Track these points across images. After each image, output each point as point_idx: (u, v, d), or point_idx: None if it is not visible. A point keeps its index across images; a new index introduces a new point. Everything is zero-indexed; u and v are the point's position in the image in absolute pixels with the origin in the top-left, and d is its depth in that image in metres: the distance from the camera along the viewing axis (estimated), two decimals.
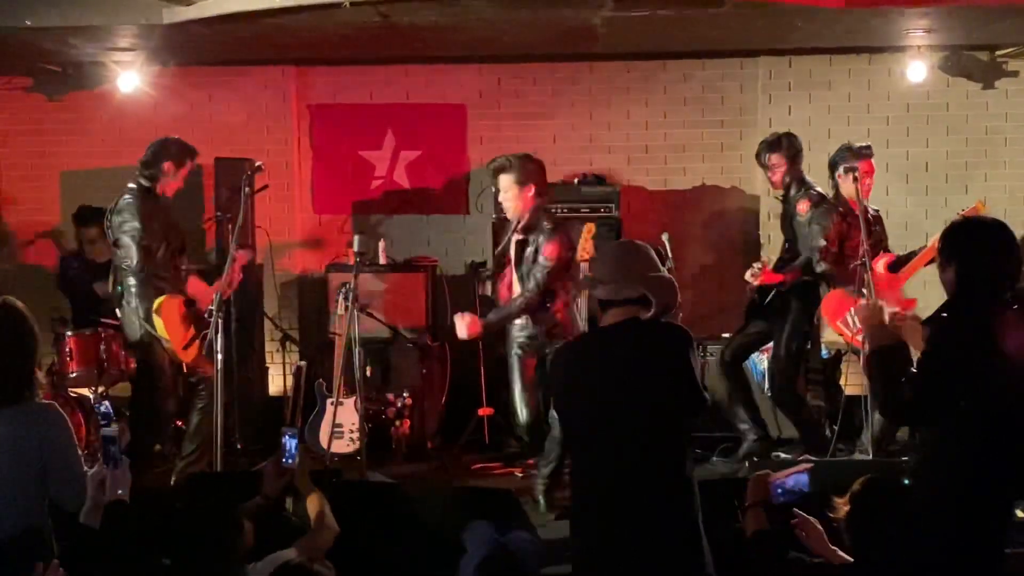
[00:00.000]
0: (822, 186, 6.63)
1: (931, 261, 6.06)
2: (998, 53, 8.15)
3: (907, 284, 6.49)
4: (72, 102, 8.42)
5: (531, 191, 5.84)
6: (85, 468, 3.72)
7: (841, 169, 6.41)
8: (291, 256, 8.49)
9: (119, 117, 8.25)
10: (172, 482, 6.13)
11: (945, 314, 3.69)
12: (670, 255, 6.62)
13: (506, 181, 5.88)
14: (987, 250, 3.73)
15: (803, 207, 6.53)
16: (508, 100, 8.50)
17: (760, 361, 7.08)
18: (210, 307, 5.90)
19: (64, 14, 6.55)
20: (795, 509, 3.83)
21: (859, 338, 6.16)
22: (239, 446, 6.98)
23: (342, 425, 6.66)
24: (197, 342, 6.04)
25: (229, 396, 6.25)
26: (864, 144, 6.53)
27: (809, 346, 6.84)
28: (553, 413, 5.39)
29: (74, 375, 6.67)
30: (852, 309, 6.22)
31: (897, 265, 6.52)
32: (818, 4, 6.34)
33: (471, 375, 7.40)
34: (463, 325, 5.90)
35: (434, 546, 4.73)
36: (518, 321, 5.84)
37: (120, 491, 3.54)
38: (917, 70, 7.90)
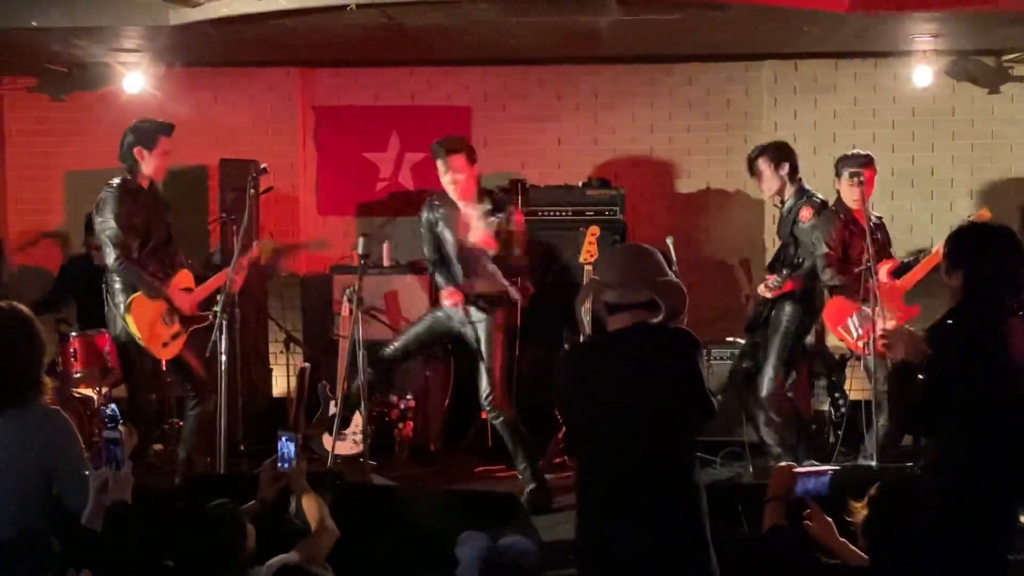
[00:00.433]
0: (826, 191, 6.63)
1: (935, 268, 6.08)
2: (1004, 58, 8.14)
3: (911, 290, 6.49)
4: (77, 102, 8.43)
5: (477, 169, 6.10)
6: (87, 472, 3.72)
7: (847, 174, 6.40)
8: (295, 257, 8.49)
9: (124, 118, 8.13)
10: (175, 482, 6.14)
11: (950, 321, 3.69)
12: (675, 259, 6.62)
13: (460, 161, 6.11)
14: (994, 256, 3.73)
15: (805, 214, 6.53)
16: (513, 103, 8.50)
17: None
18: (215, 308, 5.89)
19: (70, 15, 6.56)
20: (809, 500, 3.79)
21: (860, 344, 6.18)
22: (242, 447, 6.98)
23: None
24: (179, 340, 6.03)
25: (231, 397, 6.23)
26: (864, 152, 6.54)
27: (809, 351, 6.85)
28: None
29: (78, 375, 6.69)
30: (853, 315, 6.23)
31: (900, 272, 6.51)
32: (824, 8, 6.32)
33: (474, 378, 7.38)
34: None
35: (435, 549, 4.72)
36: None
37: (122, 493, 3.54)
38: (923, 75, 7.88)
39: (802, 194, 6.62)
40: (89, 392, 6.77)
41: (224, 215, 7.42)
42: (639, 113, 8.45)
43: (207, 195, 8.25)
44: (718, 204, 8.40)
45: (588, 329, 3.72)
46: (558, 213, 7.51)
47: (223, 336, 5.82)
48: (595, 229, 6.59)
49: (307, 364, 7.72)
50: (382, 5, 6.13)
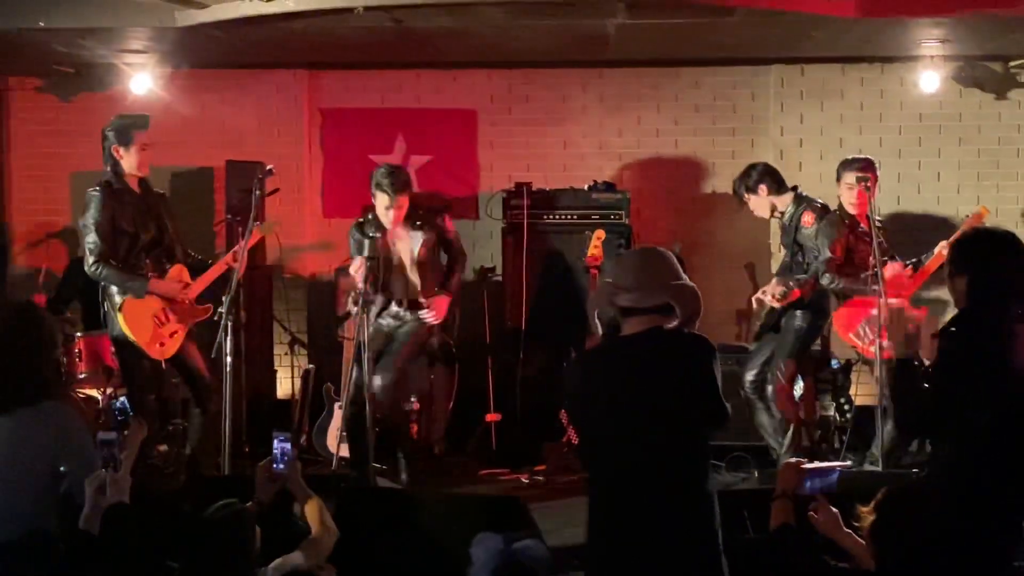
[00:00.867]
0: (832, 196, 6.62)
1: (939, 270, 6.08)
2: (1011, 64, 8.12)
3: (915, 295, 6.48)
4: (84, 103, 8.43)
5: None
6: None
7: (853, 178, 6.38)
8: (300, 259, 8.49)
9: None
10: (180, 480, 6.15)
11: (954, 327, 3.68)
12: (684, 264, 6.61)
13: (405, 199, 6.37)
14: (998, 262, 3.73)
15: (808, 219, 6.54)
16: (519, 105, 8.49)
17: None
18: (219, 309, 5.89)
19: (77, 16, 6.56)
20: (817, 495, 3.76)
21: (872, 349, 6.16)
22: (246, 449, 6.98)
23: None
24: (176, 338, 6.03)
25: (235, 399, 6.23)
26: (864, 156, 6.55)
27: (815, 356, 6.83)
28: None
29: (83, 376, 6.69)
30: (863, 321, 6.22)
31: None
32: (831, 13, 6.31)
33: (479, 381, 7.39)
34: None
35: (440, 553, 4.71)
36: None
37: (120, 494, 3.54)
38: (930, 80, 7.87)
39: (801, 200, 6.64)
40: (93, 392, 6.78)
41: (230, 216, 7.43)
42: (645, 117, 8.44)
43: (213, 196, 8.25)
44: (724, 208, 8.36)
45: (600, 331, 3.68)
46: (563, 216, 7.50)
47: (228, 337, 5.82)
48: (600, 233, 6.58)
49: (311, 366, 7.72)
50: (389, 8, 6.13)
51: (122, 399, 5.68)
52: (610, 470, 3.50)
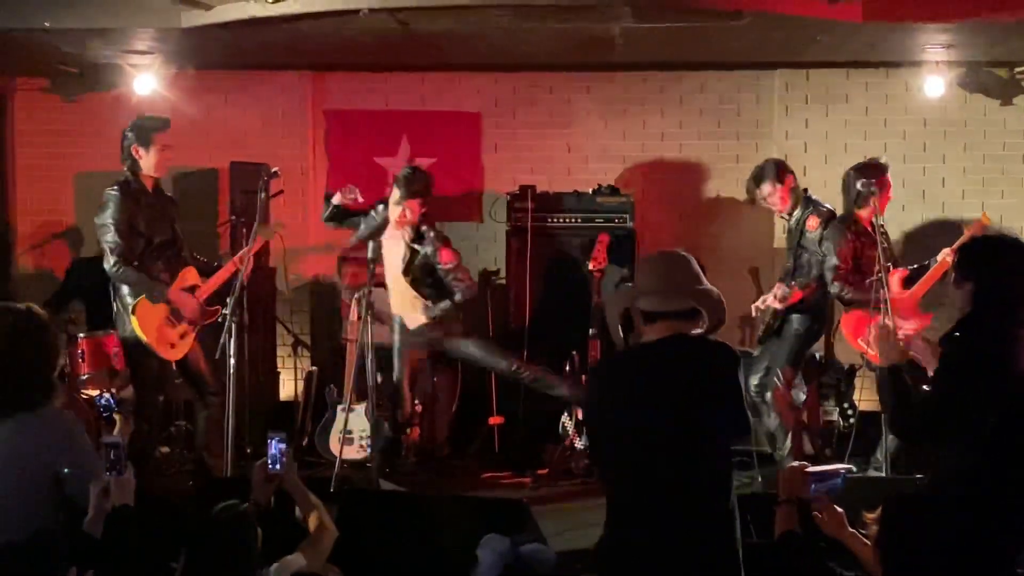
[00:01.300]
0: (837, 201, 6.62)
1: (943, 275, 6.06)
2: (1017, 70, 8.11)
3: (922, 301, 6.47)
4: (88, 104, 8.44)
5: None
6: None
7: (858, 185, 6.36)
8: (304, 261, 8.49)
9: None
10: (190, 484, 6.16)
11: (959, 333, 3.68)
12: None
13: (415, 204, 6.58)
14: (1003, 268, 3.73)
15: (812, 223, 6.54)
16: (523, 109, 8.50)
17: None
18: (223, 310, 5.89)
19: (82, 16, 6.56)
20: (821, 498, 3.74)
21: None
22: (249, 451, 6.98)
23: (352, 431, 6.66)
24: (187, 340, 6.03)
25: (238, 400, 6.23)
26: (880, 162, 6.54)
27: (819, 362, 6.82)
28: None
29: (86, 377, 6.69)
30: (872, 326, 6.20)
31: (910, 281, 6.48)
32: (836, 18, 6.31)
33: (482, 384, 7.39)
34: None
35: (443, 555, 4.71)
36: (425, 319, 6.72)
37: (125, 498, 3.54)
38: (935, 85, 7.86)
39: (808, 204, 6.64)
40: (96, 394, 6.77)
41: (234, 218, 7.43)
42: (650, 120, 8.44)
43: (217, 198, 8.25)
44: (728, 212, 8.38)
45: (620, 335, 3.62)
46: (567, 220, 7.51)
47: (231, 339, 5.82)
48: (604, 236, 6.57)
49: (314, 368, 7.72)
50: (394, 10, 6.13)
51: (107, 395, 5.68)
52: (631, 478, 3.42)
